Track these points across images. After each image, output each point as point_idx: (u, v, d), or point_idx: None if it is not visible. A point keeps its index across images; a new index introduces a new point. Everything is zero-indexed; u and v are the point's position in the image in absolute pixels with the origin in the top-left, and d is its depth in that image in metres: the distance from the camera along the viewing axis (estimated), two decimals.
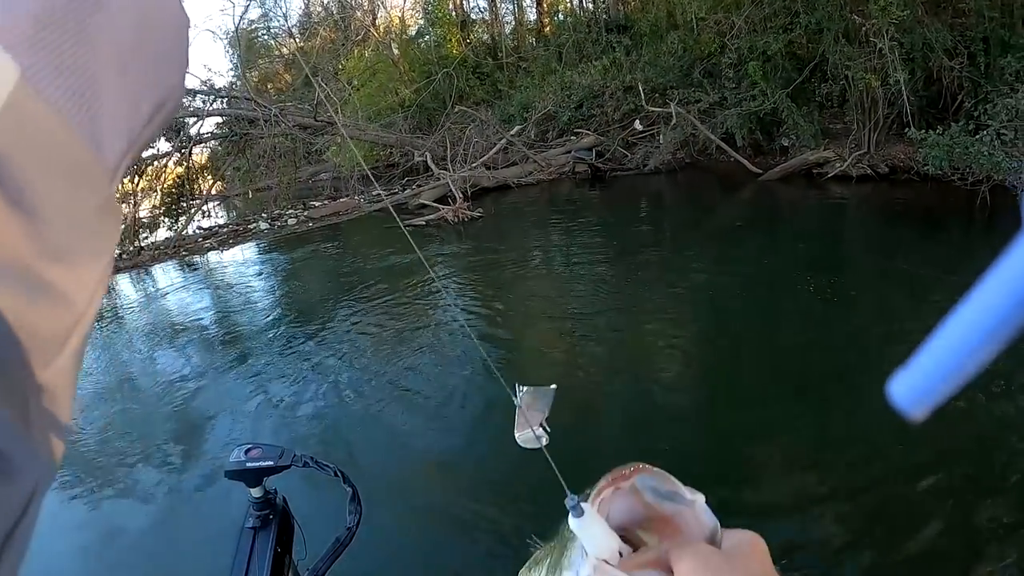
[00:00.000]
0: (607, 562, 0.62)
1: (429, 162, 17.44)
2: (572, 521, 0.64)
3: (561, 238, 12.55)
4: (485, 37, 27.36)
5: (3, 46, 0.28)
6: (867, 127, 14.23)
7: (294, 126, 17.81)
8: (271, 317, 9.96)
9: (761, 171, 15.26)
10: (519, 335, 8.03)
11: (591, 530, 0.63)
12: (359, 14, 27.28)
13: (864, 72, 13.28)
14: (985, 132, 11.01)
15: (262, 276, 13.00)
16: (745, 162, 15.61)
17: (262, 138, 17.77)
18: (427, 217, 14.36)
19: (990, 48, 12.84)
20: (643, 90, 17.70)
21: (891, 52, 12.64)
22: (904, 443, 4.56)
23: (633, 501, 0.68)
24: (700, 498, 0.65)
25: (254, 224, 17.52)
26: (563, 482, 0.68)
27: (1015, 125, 10.99)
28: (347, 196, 18.18)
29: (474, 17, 27.98)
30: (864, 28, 13.10)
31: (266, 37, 32.49)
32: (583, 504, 0.64)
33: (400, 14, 28.61)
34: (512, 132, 18.64)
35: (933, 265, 8.45)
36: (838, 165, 14.21)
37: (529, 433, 0.96)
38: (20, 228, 0.28)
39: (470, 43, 26.36)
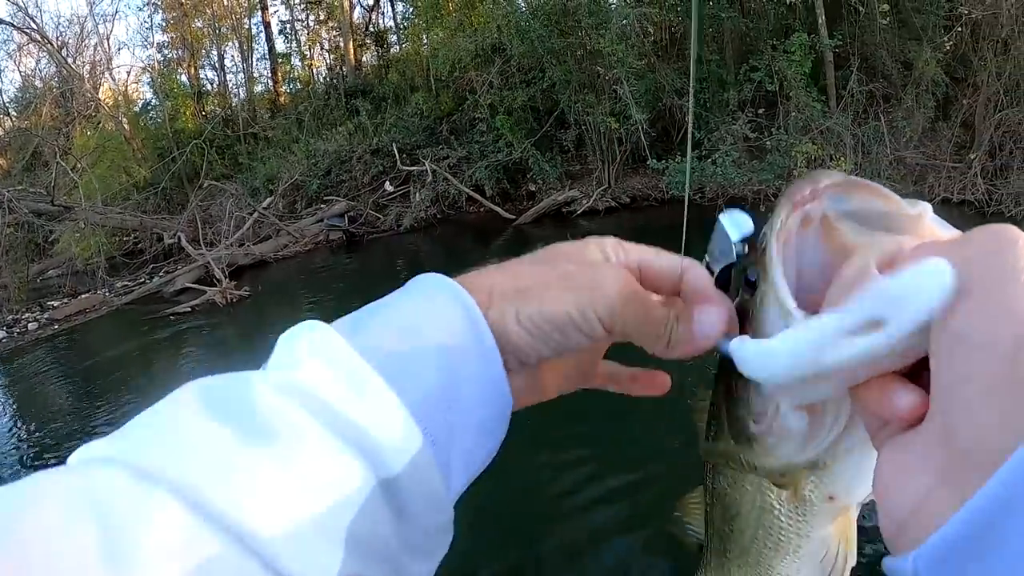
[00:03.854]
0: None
1: (184, 243, 15.56)
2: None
3: (319, 310, 11.52)
4: (218, 109, 25.56)
5: (415, 418, 0.42)
6: (607, 164, 15.06)
7: (29, 213, 15.50)
8: (16, 440, 8.22)
9: (514, 216, 15.21)
10: None
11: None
12: (88, 85, 24.63)
13: (604, 116, 14.16)
14: (717, 154, 12.54)
15: (5, 394, 10.82)
16: (498, 210, 15.47)
17: None
18: (193, 303, 12.72)
19: (710, 85, 14.19)
20: (396, 150, 17.23)
21: (630, 96, 13.52)
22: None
23: (822, 247, 0.45)
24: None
25: None
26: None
27: (739, 146, 12.72)
28: (90, 291, 15.84)
29: (207, 88, 26.20)
30: (605, 76, 14.03)
31: None
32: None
33: (124, 87, 26.42)
34: (263, 205, 17.34)
35: None
36: (584, 202, 14.71)
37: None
38: (397, 531, 0.42)
39: (207, 115, 24.77)
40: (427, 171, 16.43)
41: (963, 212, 10.73)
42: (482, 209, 15.80)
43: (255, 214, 16.55)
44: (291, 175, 18.66)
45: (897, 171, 11.70)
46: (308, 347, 0.43)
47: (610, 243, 0.53)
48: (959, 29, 12.40)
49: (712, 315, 0.50)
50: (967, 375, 0.33)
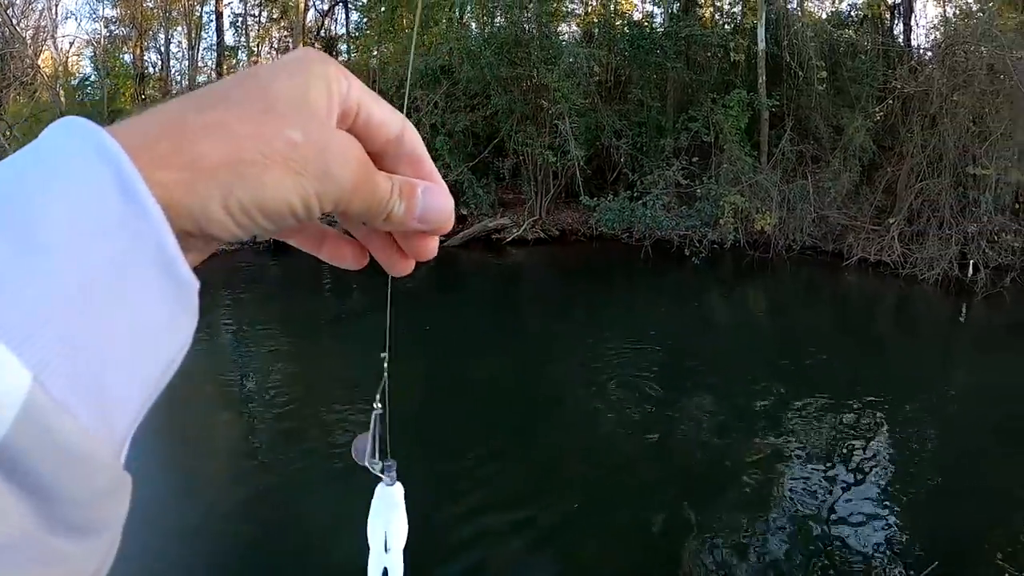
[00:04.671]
0: None
1: None
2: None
3: (236, 307, 11.34)
4: (158, 95, 24.42)
5: (10, 347, 0.28)
6: (540, 196, 15.40)
7: None
8: None
9: (444, 238, 14.98)
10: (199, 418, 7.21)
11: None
12: (30, 51, 23.49)
13: (543, 148, 14.49)
14: (648, 197, 13.28)
15: None
16: None
17: None
18: None
19: (648, 130, 14.78)
20: None
21: (570, 132, 13.97)
22: None
23: None
24: None
25: None
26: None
27: (670, 191, 13.48)
28: None
29: (149, 72, 25.23)
30: (549, 110, 14.45)
31: None
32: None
33: (65, 58, 25.35)
34: None
35: (607, 305, 9.90)
36: (515, 231, 14.91)
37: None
38: (33, 510, 0.29)
39: (146, 99, 23.92)
40: None
41: (879, 273, 11.27)
42: None
43: None
44: None
45: (819, 228, 12.13)
46: None
47: (333, 73, 0.40)
48: (891, 101, 12.86)
49: (439, 200, 0.45)
50: None
